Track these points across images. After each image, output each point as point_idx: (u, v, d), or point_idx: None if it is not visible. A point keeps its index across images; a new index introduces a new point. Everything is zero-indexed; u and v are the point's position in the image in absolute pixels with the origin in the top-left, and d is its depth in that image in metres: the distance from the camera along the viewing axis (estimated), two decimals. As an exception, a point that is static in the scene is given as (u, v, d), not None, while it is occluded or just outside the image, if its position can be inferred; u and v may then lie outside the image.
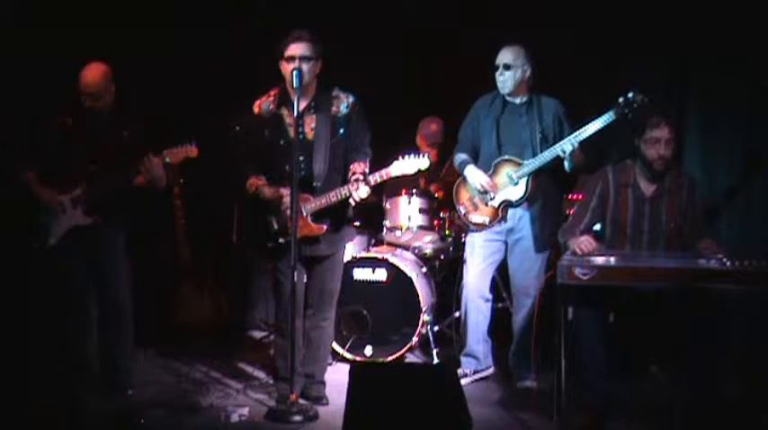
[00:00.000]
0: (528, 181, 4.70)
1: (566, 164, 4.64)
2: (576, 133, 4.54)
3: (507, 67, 4.69)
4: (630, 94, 4.39)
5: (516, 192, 4.74)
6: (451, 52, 5.84)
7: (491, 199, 4.79)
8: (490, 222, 4.82)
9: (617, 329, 4.29)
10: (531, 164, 4.66)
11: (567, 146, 4.54)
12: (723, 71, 4.97)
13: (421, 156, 4.38)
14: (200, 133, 4.60)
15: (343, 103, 4.43)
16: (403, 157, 4.37)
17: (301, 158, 4.34)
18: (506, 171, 4.74)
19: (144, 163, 4.39)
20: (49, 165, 4.50)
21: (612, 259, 4.06)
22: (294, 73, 4.22)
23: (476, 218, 4.88)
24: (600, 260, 4.02)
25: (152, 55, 5.63)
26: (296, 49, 4.28)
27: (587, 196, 4.45)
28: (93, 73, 4.47)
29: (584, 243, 4.19)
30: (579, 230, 4.36)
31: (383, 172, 4.36)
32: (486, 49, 4.79)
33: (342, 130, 4.43)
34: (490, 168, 4.79)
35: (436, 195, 5.64)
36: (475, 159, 4.88)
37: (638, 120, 4.39)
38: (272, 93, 4.49)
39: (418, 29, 6.02)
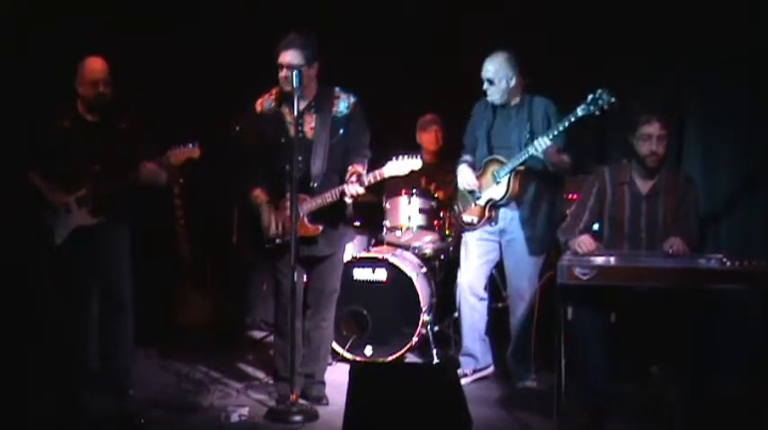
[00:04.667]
0: (509, 179, 4.70)
1: (549, 166, 4.64)
2: (547, 131, 4.52)
3: (490, 81, 4.70)
4: (599, 91, 4.37)
5: (498, 191, 4.75)
6: (451, 52, 5.84)
7: (478, 198, 4.81)
8: (478, 221, 4.84)
9: (617, 329, 4.29)
10: (511, 162, 4.66)
11: (538, 143, 4.48)
12: (723, 71, 4.97)
13: (414, 156, 4.39)
14: (200, 133, 4.60)
15: (344, 103, 4.44)
16: (396, 158, 4.38)
17: (300, 158, 4.34)
18: (492, 170, 4.75)
19: (142, 169, 4.40)
20: (52, 167, 4.50)
21: (612, 259, 4.06)
22: (294, 73, 4.22)
23: (466, 217, 4.91)
24: (600, 260, 4.02)
25: (152, 55, 5.63)
26: (285, 56, 4.30)
27: (585, 195, 4.45)
28: (98, 63, 4.49)
29: (584, 242, 4.20)
30: (579, 230, 4.36)
31: (376, 173, 4.37)
32: (486, 49, 4.78)
33: (342, 130, 4.43)
34: (480, 169, 4.82)
35: (436, 195, 5.64)
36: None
37: (610, 117, 4.43)
38: (274, 91, 4.49)
39: (418, 29, 6.02)
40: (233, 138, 4.92)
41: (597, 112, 4.37)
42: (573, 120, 4.42)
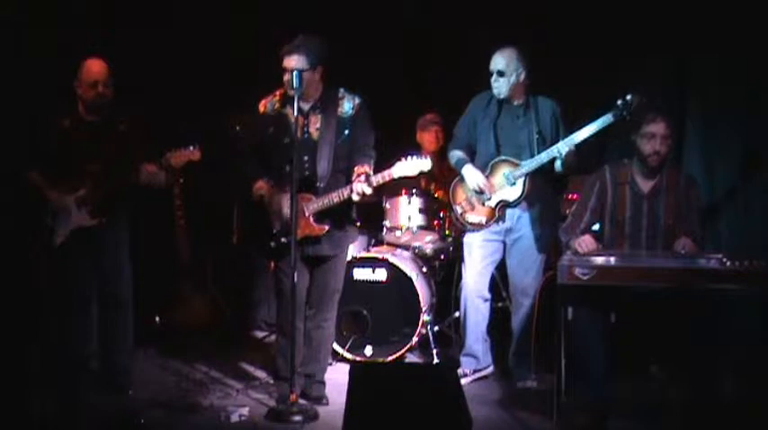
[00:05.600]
0: (525, 181, 4.71)
1: (557, 164, 4.64)
2: (574, 134, 4.55)
3: (501, 73, 4.69)
4: (629, 97, 4.40)
5: (514, 193, 4.74)
6: (451, 52, 5.84)
7: (488, 199, 4.80)
8: (487, 222, 4.83)
9: (617, 329, 4.29)
10: (529, 164, 4.66)
11: (563, 147, 4.54)
12: (723, 71, 4.98)
13: (423, 157, 4.38)
14: (200, 133, 4.60)
15: (348, 104, 4.44)
16: (405, 159, 4.37)
17: (305, 158, 4.35)
18: (503, 171, 4.75)
19: (142, 171, 4.40)
20: (52, 167, 4.50)
21: (612, 259, 4.06)
22: (294, 74, 4.22)
23: (472, 218, 4.89)
24: (600, 260, 4.02)
25: (152, 55, 5.63)
26: (289, 61, 4.30)
27: (586, 195, 4.46)
28: (98, 65, 4.49)
29: (585, 242, 4.20)
30: (579, 230, 4.36)
31: (385, 173, 4.35)
32: (486, 49, 4.79)
33: (347, 131, 4.43)
34: (487, 169, 4.80)
35: (436, 195, 5.64)
36: (470, 157, 4.89)
37: (636, 121, 4.41)
38: (278, 92, 4.50)
39: (418, 29, 6.02)
40: (234, 138, 4.92)
41: (628, 117, 4.39)
42: (604, 125, 4.44)
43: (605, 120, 4.47)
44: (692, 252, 4.10)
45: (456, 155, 4.92)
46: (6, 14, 5.12)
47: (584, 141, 4.56)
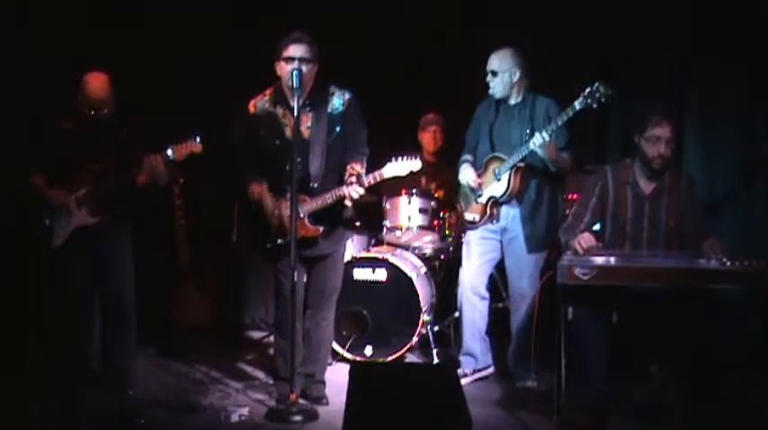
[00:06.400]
0: (510, 176, 4.71)
1: (548, 164, 4.64)
2: (547, 126, 4.53)
3: (494, 73, 4.71)
4: (596, 85, 4.37)
5: (499, 188, 4.75)
6: (451, 52, 5.84)
7: (479, 196, 4.82)
8: (480, 219, 4.85)
9: (617, 329, 4.29)
10: (511, 158, 4.67)
11: (537, 138, 4.50)
12: (723, 71, 4.98)
13: (413, 157, 4.39)
14: (200, 133, 4.60)
15: (339, 100, 4.42)
16: (396, 159, 4.38)
17: (298, 159, 4.33)
18: (493, 168, 4.76)
19: (145, 161, 4.40)
20: (52, 167, 4.50)
21: (612, 259, 4.06)
22: (294, 73, 4.20)
23: (468, 216, 4.92)
24: (600, 260, 4.02)
25: (153, 55, 5.63)
26: (295, 50, 4.27)
27: (587, 195, 4.45)
28: (99, 83, 4.50)
29: (584, 239, 4.20)
30: (580, 230, 4.36)
31: (376, 173, 4.36)
32: (485, 49, 4.79)
33: (338, 128, 4.42)
34: (481, 167, 4.82)
35: (436, 195, 5.64)
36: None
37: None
38: (268, 92, 4.48)
39: (418, 29, 6.03)
40: (233, 137, 4.92)
41: (595, 105, 4.37)
42: (571, 114, 4.42)
43: (572, 109, 4.41)
44: (722, 252, 4.04)
45: (464, 158, 4.96)
46: (6, 14, 5.12)
47: (571, 137, 4.53)
